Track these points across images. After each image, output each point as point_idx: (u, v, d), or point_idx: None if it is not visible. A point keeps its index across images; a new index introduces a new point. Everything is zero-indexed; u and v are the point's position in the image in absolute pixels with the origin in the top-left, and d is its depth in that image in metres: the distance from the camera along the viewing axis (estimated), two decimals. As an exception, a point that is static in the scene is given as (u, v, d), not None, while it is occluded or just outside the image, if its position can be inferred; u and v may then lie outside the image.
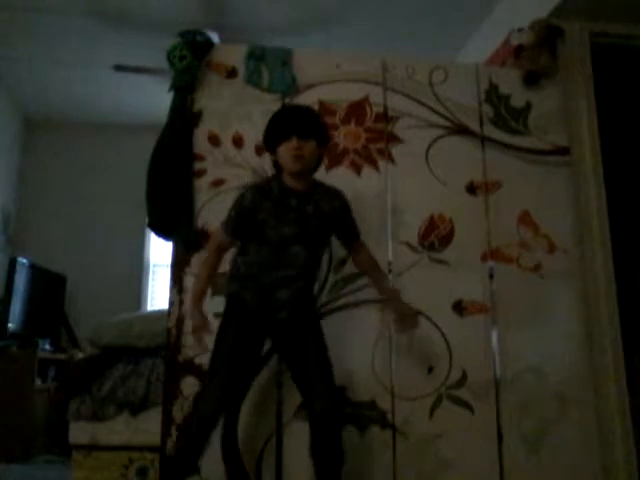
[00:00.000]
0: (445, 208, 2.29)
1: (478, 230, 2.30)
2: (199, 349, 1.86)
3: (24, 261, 4.01)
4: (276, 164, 1.83)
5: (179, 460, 1.79)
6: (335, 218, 1.84)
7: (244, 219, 1.79)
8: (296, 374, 1.80)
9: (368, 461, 2.04)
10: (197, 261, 2.10)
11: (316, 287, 2.00)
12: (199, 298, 1.82)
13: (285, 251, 1.76)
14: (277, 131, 1.79)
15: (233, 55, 2.30)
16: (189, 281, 2.08)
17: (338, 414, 1.78)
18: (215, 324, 2.04)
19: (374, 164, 2.29)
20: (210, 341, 1.78)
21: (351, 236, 1.92)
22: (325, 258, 2.04)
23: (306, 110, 1.88)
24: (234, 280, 1.83)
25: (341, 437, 1.73)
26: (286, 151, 1.75)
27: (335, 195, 1.87)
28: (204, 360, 2.01)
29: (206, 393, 1.77)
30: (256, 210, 1.76)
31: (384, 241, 2.22)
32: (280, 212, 1.77)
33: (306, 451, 2.00)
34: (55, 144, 4.84)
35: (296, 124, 1.76)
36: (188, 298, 1.94)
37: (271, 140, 1.81)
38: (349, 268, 2.12)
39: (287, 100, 2.26)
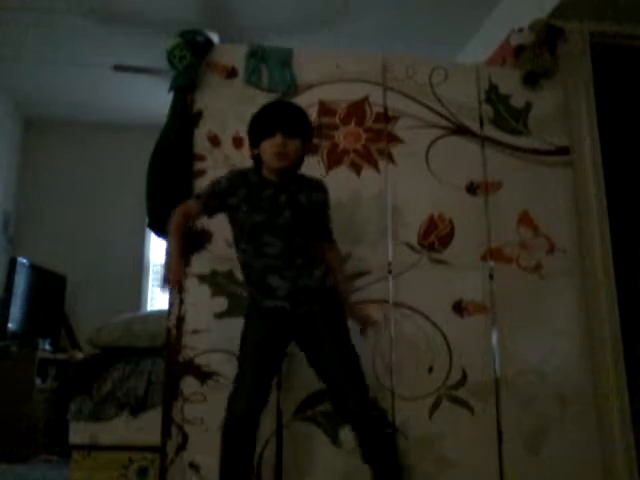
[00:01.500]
0: (445, 208, 2.29)
1: (478, 230, 2.30)
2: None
3: (24, 261, 4.01)
4: (256, 159, 1.82)
5: (229, 469, 1.71)
6: (312, 212, 1.82)
7: (216, 199, 1.81)
8: (320, 372, 1.77)
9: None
10: (197, 261, 2.10)
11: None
12: (178, 255, 1.79)
13: (257, 238, 1.75)
14: (262, 126, 1.77)
15: (233, 55, 2.30)
16: (189, 281, 2.08)
17: (372, 409, 1.77)
18: (215, 325, 2.05)
19: (374, 164, 2.29)
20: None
21: (323, 235, 1.89)
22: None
23: (293, 107, 1.86)
24: (244, 277, 1.84)
25: (388, 437, 1.78)
26: (270, 147, 1.74)
27: (316, 188, 1.85)
28: (204, 360, 2.02)
29: (238, 393, 1.72)
30: (230, 194, 1.78)
31: (384, 241, 2.22)
32: (253, 200, 1.77)
33: (306, 451, 2.01)
34: (55, 144, 4.84)
35: (282, 121, 1.75)
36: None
37: (255, 135, 1.79)
38: (348, 269, 2.12)
39: (287, 100, 2.26)
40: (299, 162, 1.84)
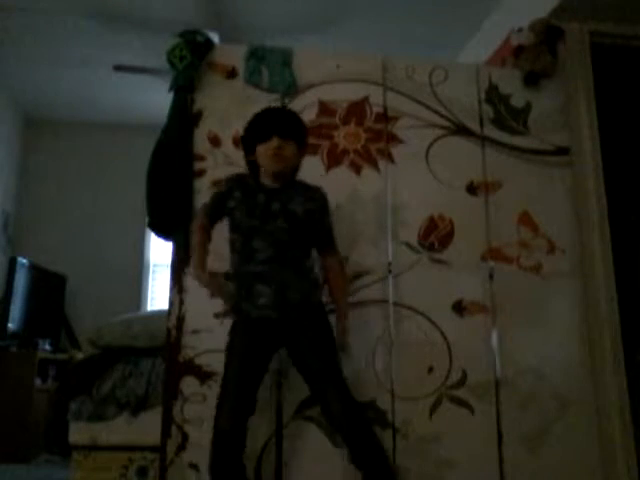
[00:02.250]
0: (445, 208, 2.29)
1: (478, 230, 2.30)
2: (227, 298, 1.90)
3: (24, 261, 4.01)
4: (252, 166, 1.84)
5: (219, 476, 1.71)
6: (308, 221, 1.80)
7: (217, 203, 1.86)
8: (306, 377, 1.77)
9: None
10: (197, 261, 2.10)
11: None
12: (202, 266, 1.81)
13: (249, 242, 1.76)
14: (258, 131, 1.78)
15: (233, 55, 2.30)
16: (189, 281, 2.08)
17: (357, 414, 1.74)
18: (215, 325, 2.05)
19: (374, 164, 2.29)
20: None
21: (323, 243, 1.88)
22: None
23: (288, 111, 1.90)
24: (234, 287, 1.83)
25: (373, 432, 1.75)
26: (266, 151, 1.75)
27: (312, 196, 1.84)
28: (204, 360, 2.02)
29: (221, 407, 1.72)
30: (228, 196, 1.82)
31: (384, 241, 2.22)
32: (247, 204, 1.79)
33: (305, 451, 2.01)
34: (55, 144, 4.84)
35: (278, 124, 1.77)
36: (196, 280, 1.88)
37: (251, 140, 1.81)
38: (348, 269, 2.12)
39: (287, 100, 2.26)
40: (296, 167, 1.85)
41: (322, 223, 1.86)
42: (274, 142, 1.73)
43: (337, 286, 1.91)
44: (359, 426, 1.73)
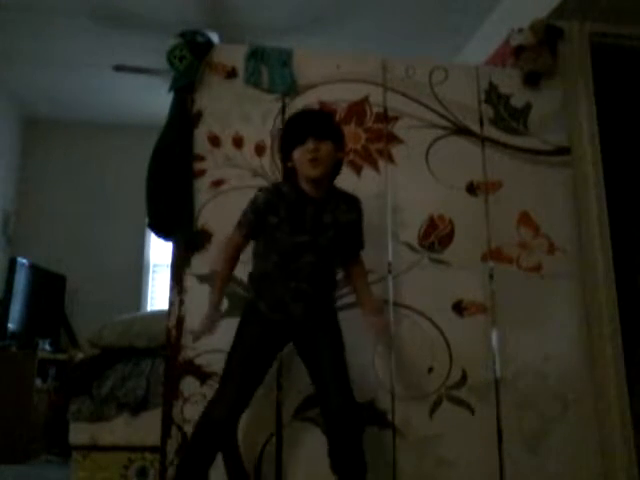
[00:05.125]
0: (445, 208, 2.29)
1: (478, 230, 2.30)
2: (196, 340, 1.87)
3: (24, 261, 4.01)
4: (289, 173, 1.78)
5: (187, 470, 1.68)
6: (349, 229, 1.80)
7: (259, 220, 1.75)
8: (312, 375, 1.76)
9: (368, 461, 2.04)
10: (197, 261, 2.10)
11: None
12: (220, 291, 1.80)
13: (296, 260, 1.72)
14: (292, 135, 1.74)
15: (233, 55, 2.30)
16: (189, 281, 2.09)
17: (354, 415, 1.68)
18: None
19: (374, 164, 2.29)
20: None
21: (356, 248, 1.88)
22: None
23: (320, 112, 1.88)
24: (251, 285, 1.82)
25: (361, 445, 1.66)
26: (302, 155, 1.70)
27: (353, 205, 1.82)
28: (204, 360, 2.02)
29: (219, 397, 1.68)
30: (270, 211, 1.73)
31: (384, 241, 2.22)
32: (295, 219, 1.72)
33: (305, 451, 2.01)
34: (55, 144, 4.84)
35: (311, 126, 1.72)
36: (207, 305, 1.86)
37: (287, 146, 1.76)
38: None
39: (287, 100, 2.26)
40: (335, 169, 1.80)
41: (359, 232, 1.86)
42: (309, 145, 1.68)
43: (364, 288, 1.90)
44: (351, 430, 1.66)
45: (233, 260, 1.81)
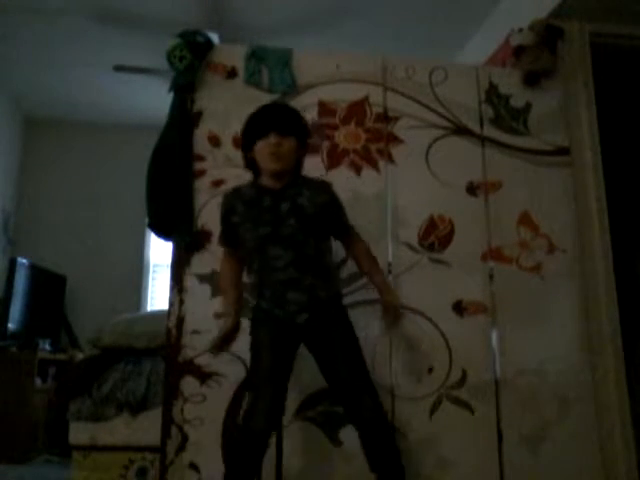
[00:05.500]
0: (445, 208, 2.29)
1: (478, 230, 2.30)
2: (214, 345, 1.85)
3: (24, 261, 4.01)
4: (251, 166, 1.78)
5: None
6: (320, 215, 1.74)
7: (225, 225, 1.79)
8: (331, 380, 1.72)
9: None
10: (197, 261, 2.10)
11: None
12: (233, 303, 1.80)
13: (264, 253, 1.70)
14: (255, 128, 1.73)
15: (233, 55, 2.30)
16: (189, 281, 2.09)
17: (384, 415, 1.70)
18: (215, 325, 2.05)
19: (374, 164, 2.29)
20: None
21: (343, 234, 1.85)
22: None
23: (286, 107, 1.85)
24: (251, 289, 1.81)
25: (394, 437, 1.70)
26: (264, 148, 1.69)
27: (320, 189, 1.78)
28: (204, 360, 2.02)
29: (255, 408, 1.63)
30: (231, 212, 1.76)
31: (384, 241, 2.22)
32: (254, 213, 1.72)
33: (305, 451, 2.01)
34: (55, 144, 4.84)
35: (275, 120, 1.71)
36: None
37: (249, 138, 1.74)
38: (348, 269, 2.12)
39: (287, 100, 2.26)
40: (298, 164, 1.79)
41: (337, 214, 1.82)
42: (272, 139, 1.68)
43: (372, 272, 1.88)
44: (387, 435, 1.69)
45: (234, 278, 1.83)
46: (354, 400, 1.67)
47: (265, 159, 1.71)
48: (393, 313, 1.90)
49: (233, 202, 1.77)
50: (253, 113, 1.77)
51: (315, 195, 1.75)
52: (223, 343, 1.80)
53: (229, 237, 1.81)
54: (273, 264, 1.70)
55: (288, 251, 1.69)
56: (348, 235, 1.86)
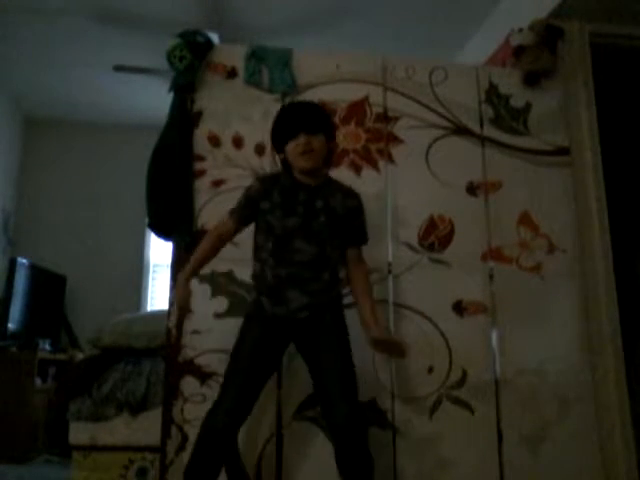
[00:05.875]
0: (445, 208, 2.29)
1: (478, 230, 2.30)
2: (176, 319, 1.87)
3: (24, 261, 4.01)
4: (285, 163, 1.80)
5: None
6: (347, 218, 1.78)
7: (250, 205, 1.77)
8: (315, 378, 1.73)
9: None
10: (197, 261, 2.10)
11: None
12: (190, 275, 1.78)
13: (287, 245, 1.71)
14: (284, 130, 1.76)
15: (233, 55, 2.30)
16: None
17: (359, 423, 1.66)
18: (215, 325, 2.05)
19: (374, 164, 2.29)
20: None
21: (358, 239, 1.85)
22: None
23: (311, 105, 1.86)
24: (254, 284, 1.80)
25: (367, 447, 1.64)
26: (295, 149, 1.72)
27: (350, 194, 1.83)
28: (204, 360, 2.02)
29: (219, 404, 1.64)
30: (263, 197, 1.75)
31: (384, 241, 2.22)
32: (287, 204, 1.74)
33: (305, 451, 2.01)
34: (55, 144, 4.84)
35: (303, 120, 1.74)
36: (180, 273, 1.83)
37: (279, 139, 1.78)
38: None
39: (287, 100, 2.26)
40: (327, 160, 1.82)
41: (360, 220, 1.84)
42: (301, 139, 1.71)
43: (365, 298, 1.81)
44: (357, 438, 1.64)
45: (216, 242, 1.80)
46: (330, 405, 1.66)
47: (297, 159, 1.73)
48: (384, 349, 1.86)
49: (270, 188, 1.76)
50: (278, 115, 1.81)
51: (346, 199, 1.80)
52: (184, 309, 1.80)
53: (244, 216, 1.79)
54: (293, 258, 1.71)
55: (312, 246, 1.72)
56: (359, 248, 1.85)
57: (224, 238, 1.82)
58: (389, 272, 2.20)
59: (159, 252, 4.82)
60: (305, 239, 1.72)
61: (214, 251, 1.81)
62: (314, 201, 1.75)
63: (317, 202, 1.75)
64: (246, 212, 1.79)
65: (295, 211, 1.73)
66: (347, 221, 1.79)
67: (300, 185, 1.76)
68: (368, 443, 1.66)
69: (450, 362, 2.16)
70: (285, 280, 1.71)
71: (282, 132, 1.77)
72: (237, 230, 1.81)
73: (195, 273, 1.82)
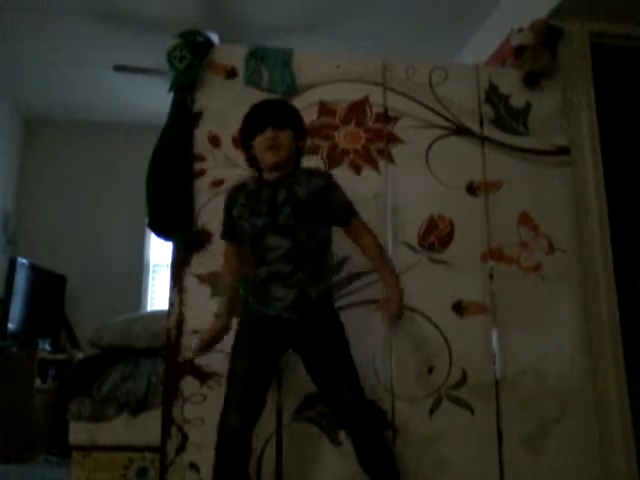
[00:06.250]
0: (445, 208, 2.29)
1: (478, 230, 2.30)
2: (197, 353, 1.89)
3: (24, 261, 4.01)
4: (254, 164, 1.82)
5: None
6: (317, 200, 1.75)
7: (229, 219, 1.83)
8: (319, 386, 1.73)
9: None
10: (197, 261, 2.10)
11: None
12: (227, 311, 1.82)
13: (261, 244, 1.72)
14: (252, 124, 1.77)
15: (233, 55, 2.30)
16: (189, 281, 2.08)
17: (369, 409, 1.70)
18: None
19: (374, 164, 2.29)
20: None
21: (342, 217, 1.82)
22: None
23: (279, 102, 1.88)
24: (244, 286, 1.82)
25: (386, 444, 1.68)
26: (262, 143, 1.74)
27: (314, 174, 1.81)
28: (204, 360, 2.02)
29: (228, 407, 1.66)
30: (233, 205, 1.81)
31: (384, 241, 2.22)
32: (252, 205, 1.76)
33: (305, 451, 2.01)
34: (55, 144, 4.83)
35: (270, 114, 1.75)
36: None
37: (247, 135, 1.79)
38: (348, 269, 2.12)
39: (287, 101, 2.26)
40: (297, 156, 1.83)
41: (334, 200, 1.80)
42: (268, 133, 1.72)
43: (378, 265, 1.83)
44: (375, 430, 1.68)
45: (233, 270, 1.86)
46: (344, 408, 1.67)
47: (264, 154, 1.75)
48: (391, 309, 1.83)
49: (235, 195, 1.82)
50: (248, 112, 1.82)
51: (311, 181, 1.78)
52: (211, 343, 1.82)
53: (229, 230, 1.86)
54: (268, 256, 1.71)
55: (286, 239, 1.71)
56: (350, 223, 1.83)
57: (235, 265, 1.86)
58: (389, 272, 2.19)
59: (159, 252, 4.82)
60: (276, 235, 1.72)
61: (234, 281, 1.86)
62: (276, 195, 1.74)
63: (279, 195, 1.74)
64: (230, 226, 1.84)
65: (260, 210, 1.74)
66: (318, 202, 1.76)
67: (264, 183, 1.78)
68: (386, 441, 1.71)
69: (450, 362, 2.16)
70: (267, 279, 1.72)
71: (250, 127, 1.78)
72: (236, 247, 1.86)
73: (233, 305, 1.84)
